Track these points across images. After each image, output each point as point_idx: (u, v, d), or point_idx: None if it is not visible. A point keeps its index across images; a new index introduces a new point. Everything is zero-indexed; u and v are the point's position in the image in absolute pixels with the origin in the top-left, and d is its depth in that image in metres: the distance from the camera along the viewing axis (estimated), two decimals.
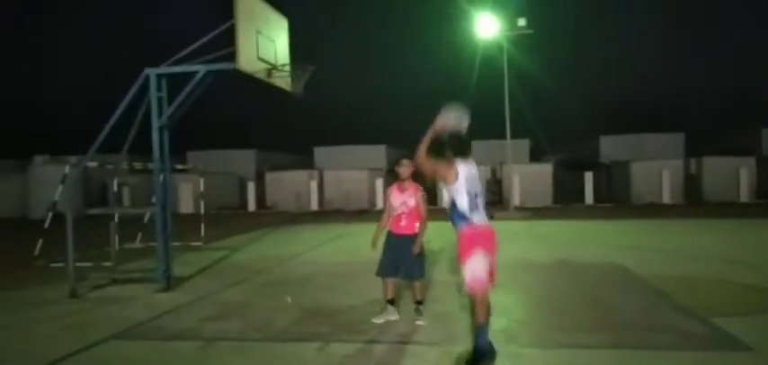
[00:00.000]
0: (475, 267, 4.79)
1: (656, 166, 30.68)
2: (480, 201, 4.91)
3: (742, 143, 36.26)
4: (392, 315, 6.54)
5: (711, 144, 36.78)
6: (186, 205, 30.37)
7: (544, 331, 6.24)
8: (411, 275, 6.49)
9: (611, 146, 38.95)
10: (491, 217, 5.16)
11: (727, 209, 24.28)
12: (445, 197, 5.00)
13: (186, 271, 10.27)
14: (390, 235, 6.53)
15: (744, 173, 29.58)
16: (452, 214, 4.96)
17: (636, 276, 9.03)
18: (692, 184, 31.12)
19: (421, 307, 6.71)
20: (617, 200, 31.35)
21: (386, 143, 43.06)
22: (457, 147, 4.88)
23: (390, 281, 6.56)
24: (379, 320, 6.50)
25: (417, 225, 6.39)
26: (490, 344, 4.99)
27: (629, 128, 41.01)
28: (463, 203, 4.83)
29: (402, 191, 6.42)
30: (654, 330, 6.06)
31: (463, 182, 4.82)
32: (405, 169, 6.31)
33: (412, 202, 6.37)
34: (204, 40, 8.30)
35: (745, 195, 29.30)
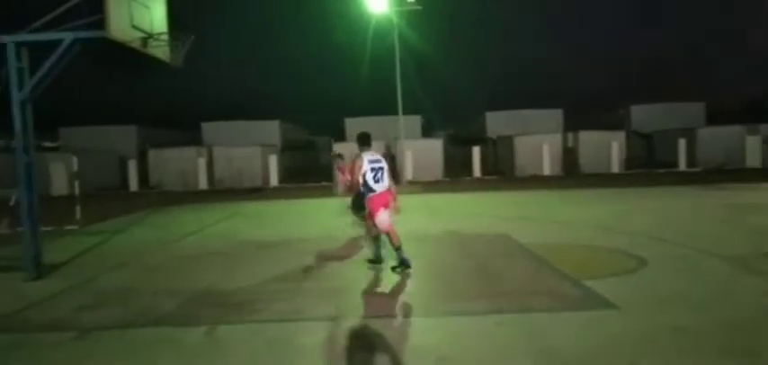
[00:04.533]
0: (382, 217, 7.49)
1: (538, 140, 32.56)
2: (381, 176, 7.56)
3: (613, 119, 39.43)
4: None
5: (587, 119, 39.60)
6: (60, 186, 28.09)
7: (432, 300, 6.43)
8: None
9: (496, 122, 40.89)
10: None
11: (599, 179, 26.35)
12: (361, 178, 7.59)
13: (60, 258, 9.52)
14: None
15: (615, 146, 32.16)
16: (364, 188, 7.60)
17: (519, 244, 9.54)
18: (569, 157, 33.39)
19: None
20: (502, 172, 32.96)
21: (280, 118, 42.19)
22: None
23: None
24: None
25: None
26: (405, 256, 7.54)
27: (512, 104, 43.12)
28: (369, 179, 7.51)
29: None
30: (533, 294, 6.44)
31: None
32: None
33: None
34: (70, 4, 7.59)
35: (615, 166, 31.91)
